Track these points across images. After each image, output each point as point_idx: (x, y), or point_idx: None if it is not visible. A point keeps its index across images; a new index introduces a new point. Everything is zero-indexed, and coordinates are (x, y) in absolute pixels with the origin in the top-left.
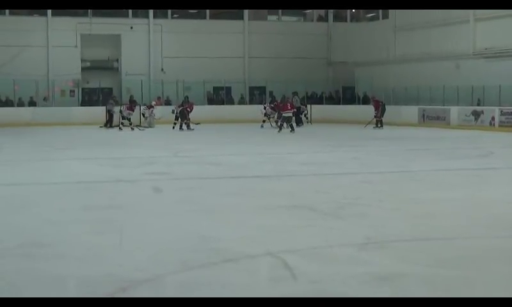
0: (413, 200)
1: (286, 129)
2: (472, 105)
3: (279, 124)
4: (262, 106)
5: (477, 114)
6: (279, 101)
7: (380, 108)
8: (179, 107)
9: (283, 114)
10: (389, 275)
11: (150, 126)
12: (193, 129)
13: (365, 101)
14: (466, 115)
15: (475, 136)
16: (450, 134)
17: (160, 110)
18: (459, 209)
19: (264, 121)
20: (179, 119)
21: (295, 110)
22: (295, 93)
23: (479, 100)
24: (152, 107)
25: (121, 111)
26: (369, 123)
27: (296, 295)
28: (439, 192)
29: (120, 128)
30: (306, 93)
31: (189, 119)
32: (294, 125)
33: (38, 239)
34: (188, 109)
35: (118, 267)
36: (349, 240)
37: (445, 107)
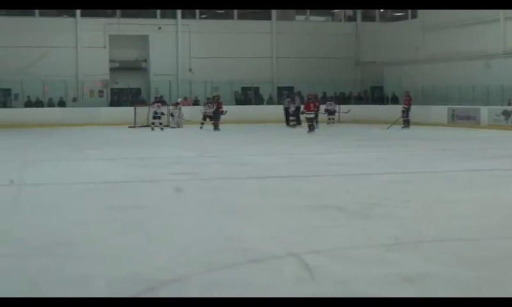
0: (440, 201)
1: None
2: (502, 105)
3: (308, 125)
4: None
5: (507, 114)
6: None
7: (408, 106)
8: (209, 106)
9: (306, 115)
10: (416, 276)
11: (178, 127)
12: (219, 130)
13: (394, 100)
14: (496, 115)
15: (506, 136)
16: (480, 134)
17: (189, 112)
18: (488, 210)
19: (292, 121)
20: (208, 120)
21: (316, 110)
22: (297, 93)
23: (509, 99)
24: (178, 104)
25: (155, 111)
26: (393, 123)
27: (322, 296)
28: (467, 193)
29: (152, 128)
30: (335, 93)
31: (219, 119)
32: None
33: (63, 239)
34: (221, 109)
35: (143, 267)
36: (376, 240)
37: (475, 106)
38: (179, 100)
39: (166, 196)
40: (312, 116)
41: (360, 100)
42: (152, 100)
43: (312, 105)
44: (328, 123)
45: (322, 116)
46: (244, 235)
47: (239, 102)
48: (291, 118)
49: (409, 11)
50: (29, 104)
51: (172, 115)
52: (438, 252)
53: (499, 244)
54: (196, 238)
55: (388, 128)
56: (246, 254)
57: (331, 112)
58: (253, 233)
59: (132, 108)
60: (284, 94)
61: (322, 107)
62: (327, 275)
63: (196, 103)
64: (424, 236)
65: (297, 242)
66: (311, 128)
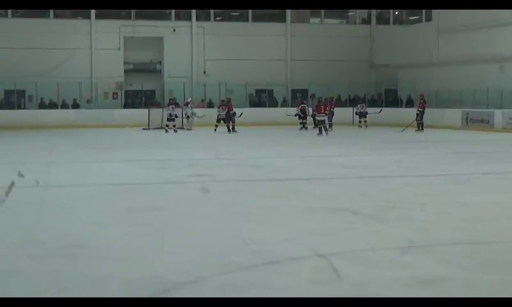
0: (456, 204)
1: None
2: None
3: (318, 127)
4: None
5: None
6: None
7: (423, 110)
8: (223, 108)
9: (317, 117)
10: (432, 279)
11: (189, 129)
12: (236, 131)
13: (408, 104)
14: (510, 118)
15: None
16: (494, 137)
17: (202, 110)
18: (503, 213)
19: (303, 125)
20: (222, 122)
21: (327, 112)
22: (312, 96)
23: None
24: (188, 103)
25: (170, 114)
26: (407, 126)
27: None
28: (482, 196)
29: (166, 130)
30: (349, 96)
31: (234, 121)
32: (329, 128)
33: (81, 240)
34: (232, 111)
35: (160, 268)
36: (392, 243)
37: (489, 110)
38: (189, 99)
39: (183, 198)
40: (323, 118)
41: (373, 102)
42: (166, 102)
43: (322, 107)
44: (360, 126)
45: (335, 118)
46: (260, 237)
47: (253, 104)
48: (299, 121)
49: (424, 14)
50: (42, 106)
51: (188, 117)
52: (453, 256)
53: None
54: (212, 241)
55: (402, 131)
56: (262, 256)
57: (363, 115)
58: (268, 235)
59: (146, 110)
60: (298, 97)
61: (337, 110)
62: (343, 277)
63: (210, 105)
64: (438, 239)
65: (314, 245)
66: (320, 130)
